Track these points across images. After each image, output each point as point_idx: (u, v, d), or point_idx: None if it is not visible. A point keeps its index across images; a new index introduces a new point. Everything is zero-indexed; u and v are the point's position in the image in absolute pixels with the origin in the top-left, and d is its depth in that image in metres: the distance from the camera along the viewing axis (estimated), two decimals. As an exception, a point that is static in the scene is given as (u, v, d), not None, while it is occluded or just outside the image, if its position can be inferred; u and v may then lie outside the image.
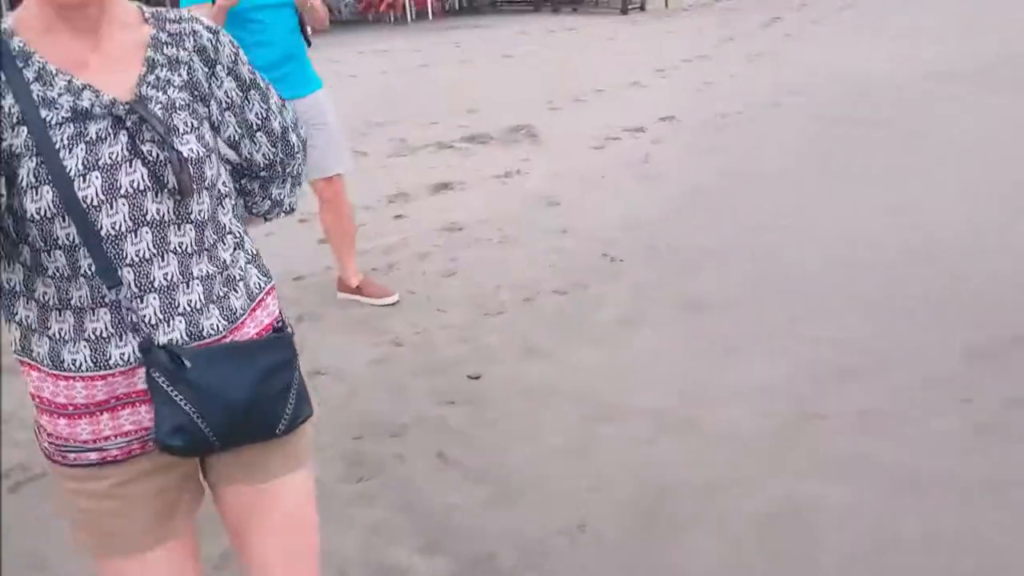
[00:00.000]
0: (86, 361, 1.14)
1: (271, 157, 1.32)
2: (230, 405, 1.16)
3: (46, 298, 1.15)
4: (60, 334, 1.15)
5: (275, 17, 3.45)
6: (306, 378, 1.31)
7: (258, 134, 1.29)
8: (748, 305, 3.72)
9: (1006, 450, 2.57)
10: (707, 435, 2.76)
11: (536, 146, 6.94)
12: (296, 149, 1.35)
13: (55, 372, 1.16)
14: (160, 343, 1.14)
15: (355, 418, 3.01)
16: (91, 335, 1.14)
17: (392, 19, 19.29)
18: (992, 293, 3.67)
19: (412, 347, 3.55)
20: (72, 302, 1.13)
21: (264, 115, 1.30)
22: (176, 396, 1.13)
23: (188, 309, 1.17)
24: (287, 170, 1.36)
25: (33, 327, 1.16)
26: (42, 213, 1.07)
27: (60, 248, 1.10)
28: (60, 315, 1.14)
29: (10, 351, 1.21)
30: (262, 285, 1.29)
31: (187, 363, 1.13)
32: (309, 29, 3.72)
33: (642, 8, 18.67)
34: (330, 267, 4.27)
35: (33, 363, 1.18)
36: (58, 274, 1.12)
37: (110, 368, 1.15)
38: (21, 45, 1.11)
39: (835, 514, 2.33)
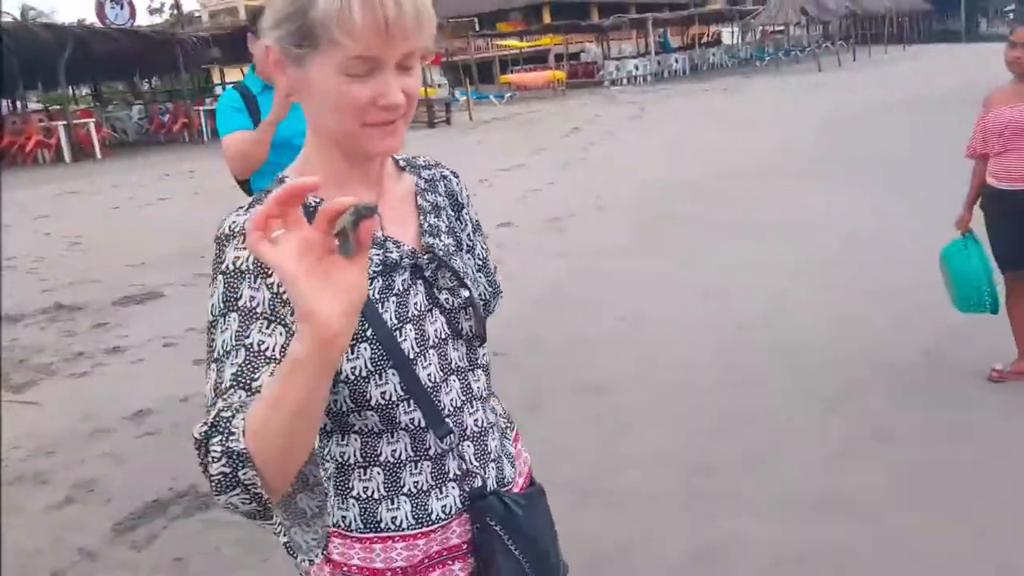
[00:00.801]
0: (407, 518, 1.09)
1: (486, 296, 1.23)
2: (545, 556, 1.15)
3: (345, 457, 1.09)
4: (367, 493, 1.09)
5: None
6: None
7: (479, 274, 1.24)
8: (631, 383, 4.26)
9: (856, 475, 3.20)
10: (618, 499, 3.20)
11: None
12: (499, 288, 1.29)
13: (369, 535, 1.09)
14: (491, 490, 1.13)
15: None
16: (411, 489, 1.09)
17: (186, 139, 19.22)
18: (806, 355, 4.44)
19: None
20: (382, 458, 1.09)
21: (484, 255, 1.29)
22: (512, 547, 1.11)
23: (495, 455, 1.17)
24: (491, 310, 1.26)
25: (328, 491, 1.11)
26: (357, 372, 1.02)
27: (373, 408, 1.05)
28: (365, 473, 1.09)
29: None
30: (511, 428, 1.30)
31: (519, 510, 1.12)
32: None
33: (448, 122, 19.88)
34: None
35: (334, 529, 1.10)
36: (365, 430, 1.08)
37: (432, 523, 1.10)
38: (316, 202, 1.05)
39: (738, 549, 2.82)
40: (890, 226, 6.72)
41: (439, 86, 23.18)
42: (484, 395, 1.18)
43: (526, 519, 1.11)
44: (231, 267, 0.98)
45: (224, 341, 0.95)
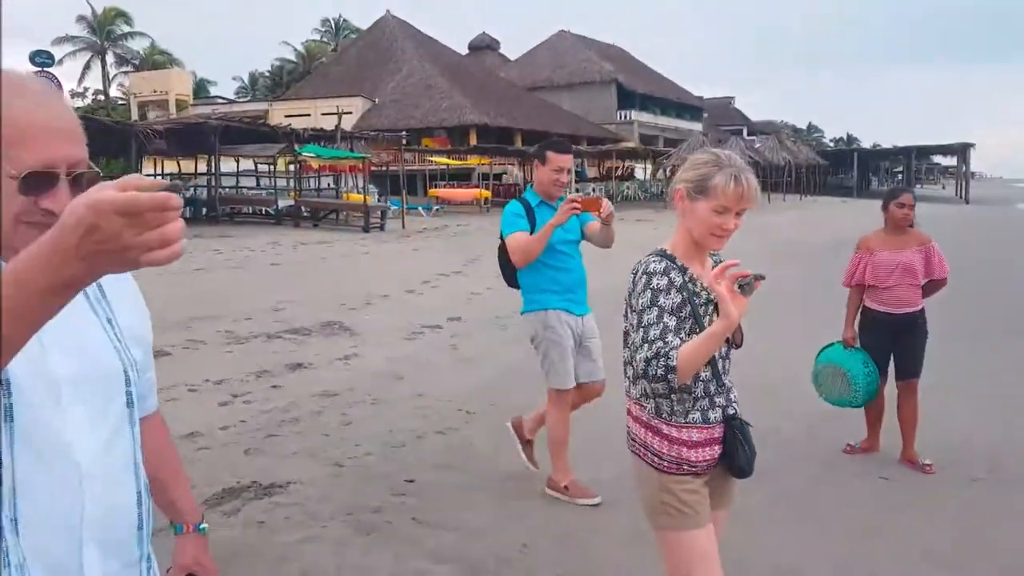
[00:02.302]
0: (699, 419, 2.35)
1: None
2: (754, 450, 2.42)
3: (682, 391, 2.33)
4: (685, 406, 2.35)
5: (575, 250, 4.42)
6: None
7: None
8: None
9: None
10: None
11: (355, 338, 8.56)
12: None
13: (687, 424, 2.34)
14: (735, 413, 2.41)
15: (343, 508, 4.34)
16: (703, 406, 2.35)
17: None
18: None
19: (353, 469, 4.94)
20: (695, 392, 2.33)
21: None
22: (745, 444, 2.38)
23: (733, 400, 2.43)
24: None
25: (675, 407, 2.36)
26: None
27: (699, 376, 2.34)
28: (687, 397, 2.35)
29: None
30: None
31: (749, 425, 2.43)
32: None
33: (381, 228, 21.37)
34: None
35: (668, 422, 2.36)
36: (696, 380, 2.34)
37: (709, 423, 2.35)
38: (679, 262, 2.32)
39: None
40: (778, 341, 8.40)
41: (372, 194, 24.75)
42: (730, 371, 2.47)
43: (748, 431, 2.43)
44: (655, 285, 2.29)
45: (650, 319, 2.24)
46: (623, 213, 30.44)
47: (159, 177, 27.28)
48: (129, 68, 54.30)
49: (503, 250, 4.38)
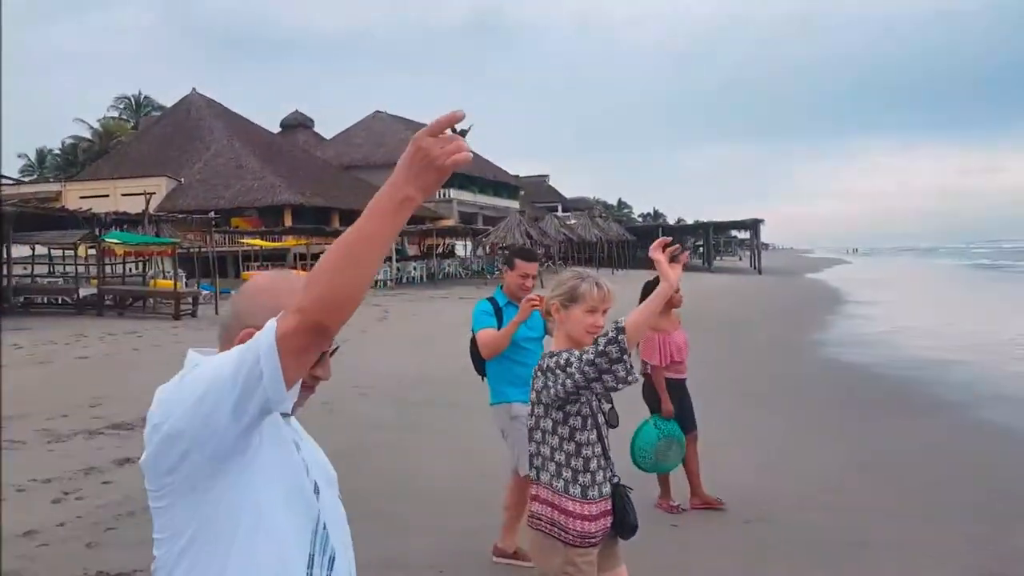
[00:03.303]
0: (596, 494, 2.96)
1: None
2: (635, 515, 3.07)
3: (578, 470, 2.99)
4: (584, 484, 2.99)
5: (537, 346, 4.78)
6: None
7: None
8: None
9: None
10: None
11: (181, 429, 8.80)
12: None
13: (587, 500, 2.95)
14: (619, 481, 3.04)
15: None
16: (599, 479, 2.98)
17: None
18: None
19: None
20: (591, 469, 2.97)
21: None
22: (630, 510, 3.00)
23: (614, 470, 3.07)
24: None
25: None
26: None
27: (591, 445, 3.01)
28: (586, 476, 2.98)
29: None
30: None
31: (630, 488, 3.11)
32: None
33: (194, 315, 21.15)
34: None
35: (573, 498, 2.97)
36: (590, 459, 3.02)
37: (603, 496, 2.97)
38: None
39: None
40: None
41: (181, 279, 24.40)
42: (609, 448, 3.12)
43: (629, 494, 3.08)
44: (561, 360, 3.00)
45: (569, 356, 2.97)
46: (445, 291, 31.59)
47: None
48: None
49: (474, 343, 5.02)
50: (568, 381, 2.89)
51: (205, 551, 1.63)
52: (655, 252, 3.00)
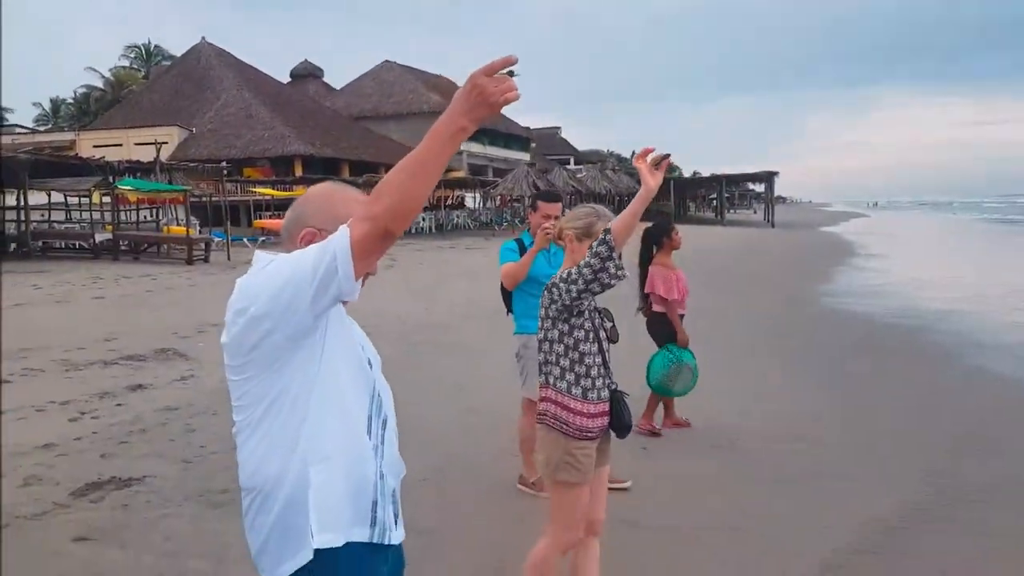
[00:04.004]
0: (595, 397, 3.33)
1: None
2: (631, 416, 3.43)
3: (582, 375, 3.38)
4: (584, 387, 3.35)
5: None
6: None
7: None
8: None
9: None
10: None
11: (191, 362, 9.27)
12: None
13: (587, 401, 3.34)
14: (616, 387, 3.40)
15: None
16: (598, 385, 3.35)
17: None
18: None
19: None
20: (592, 375, 3.36)
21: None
22: (625, 409, 3.39)
23: (613, 379, 3.42)
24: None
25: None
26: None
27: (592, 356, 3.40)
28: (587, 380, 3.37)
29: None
30: None
31: (627, 394, 3.46)
32: None
33: (206, 260, 21.64)
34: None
35: (576, 398, 3.35)
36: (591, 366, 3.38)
37: (602, 399, 3.34)
38: None
39: None
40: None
41: (194, 226, 24.85)
42: (610, 359, 3.47)
43: (625, 399, 3.44)
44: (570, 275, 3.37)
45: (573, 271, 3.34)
46: (454, 241, 31.97)
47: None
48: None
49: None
50: (572, 288, 3.29)
51: (283, 415, 2.00)
52: (638, 160, 3.37)
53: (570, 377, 3.37)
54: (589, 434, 3.35)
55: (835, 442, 6.62)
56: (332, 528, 2.01)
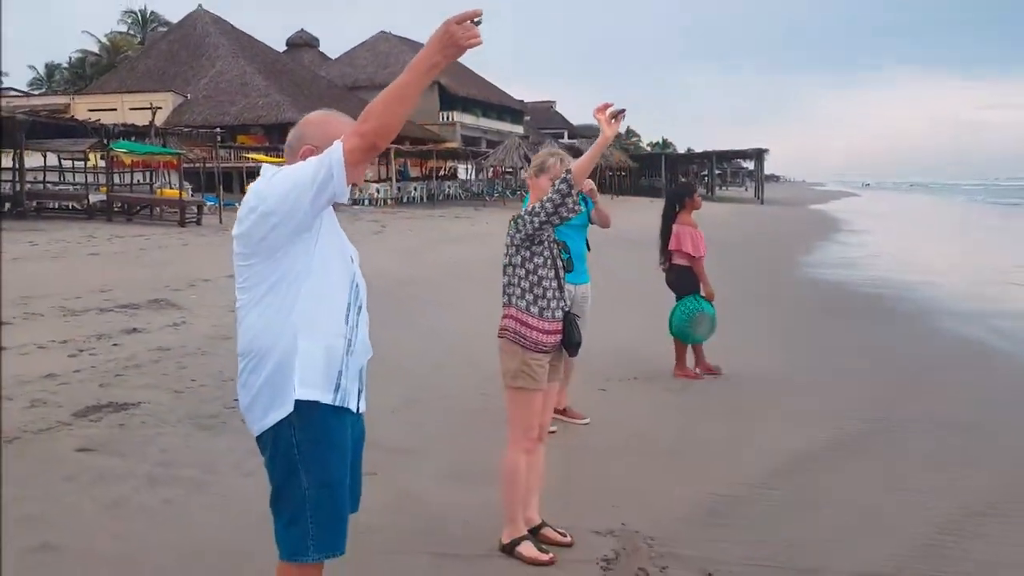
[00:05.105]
0: (550, 316, 3.77)
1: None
2: (580, 337, 3.88)
3: (539, 297, 3.81)
4: (541, 307, 3.81)
5: (579, 232, 5.72)
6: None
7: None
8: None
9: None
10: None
11: (183, 311, 9.71)
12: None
13: (543, 319, 3.79)
14: (569, 309, 3.91)
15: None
16: (552, 306, 3.81)
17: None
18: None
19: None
20: (547, 297, 3.81)
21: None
22: (575, 329, 3.83)
23: (568, 301, 3.96)
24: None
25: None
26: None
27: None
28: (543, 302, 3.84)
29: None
30: None
31: (579, 317, 4.02)
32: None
33: (198, 223, 22.03)
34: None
35: (533, 315, 3.79)
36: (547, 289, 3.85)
37: (556, 319, 3.78)
38: None
39: None
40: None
41: (186, 190, 25.21)
42: (564, 283, 3.96)
43: (577, 322, 3.91)
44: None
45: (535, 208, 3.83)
46: (443, 211, 32.34)
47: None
48: (-96, 54, 50.66)
49: None
50: (535, 219, 3.77)
51: (280, 295, 2.50)
52: (598, 112, 3.84)
53: (529, 297, 3.83)
54: (543, 347, 3.82)
55: (793, 383, 7.25)
56: (310, 386, 2.51)
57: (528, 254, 3.85)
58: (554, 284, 3.87)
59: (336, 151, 2.36)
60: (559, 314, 3.87)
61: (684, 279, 7.26)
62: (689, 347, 7.35)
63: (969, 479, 4.94)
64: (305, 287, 2.50)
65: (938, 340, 9.78)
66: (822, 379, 7.45)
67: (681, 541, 3.99)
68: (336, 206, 2.59)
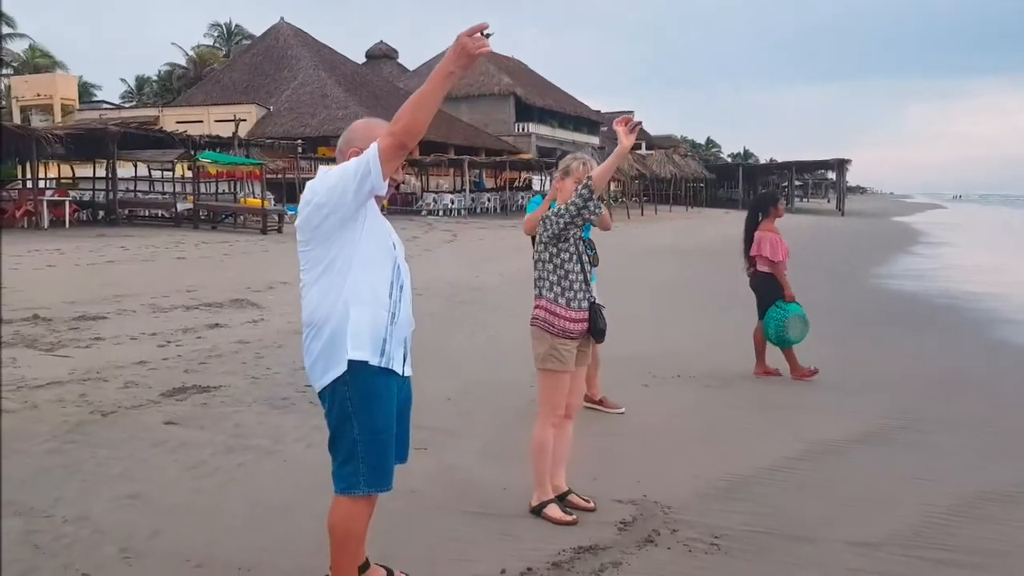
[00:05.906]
0: (576, 306, 4.23)
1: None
2: (605, 325, 4.35)
3: (567, 288, 4.30)
4: (568, 298, 4.28)
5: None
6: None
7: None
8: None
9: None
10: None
11: (262, 310, 10.49)
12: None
13: (570, 309, 4.25)
14: (595, 300, 4.37)
15: (261, 398, 6.40)
16: (579, 298, 4.29)
17: (26, 225, 21.26)
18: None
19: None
20: (575, 289, 4.28)
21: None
22: (601, 318, 4.30)
23: (594, 292, 4.42)
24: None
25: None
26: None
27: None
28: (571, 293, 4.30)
29: None
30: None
31: (604, 307, 4.40)
32: None
33: (279, 231, 23.11)
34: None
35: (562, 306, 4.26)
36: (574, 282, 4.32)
37: (582, 309, 4.24)
38: None
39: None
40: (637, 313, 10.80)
41: (268, 199, 26.43)
42: (591, 277, 4.43)
43: (602, 311, 4.38)
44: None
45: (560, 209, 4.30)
46: (515, 221, 32.96)
47: (52, 182, 28.37)
48: (8, 71, 53.93)
49: None
50: (560, 220, 4.27)
51: (334, 273, 3.04)
52: (618, 124, 4.34)
53: (557, 290, 4.32)
54: (570, 334, 4.30)
55: (821, 383, 7.50)
56: (360, 348, 3.07)
57: (555, 250, 4.33)
58: (580, 277, 4.34)
59: (372, 150, 2.90)
60: (585, 304, 4.33)
61: (767, 285, 7.62)
62: (779, 350, 7.69)
63: (993, 473, 5.21)
64: (354, 267, 3.05)
65: (1001, 349, 9.88)
66: (865, 381, 7.72)
67: (694, 511, 4.42)
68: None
